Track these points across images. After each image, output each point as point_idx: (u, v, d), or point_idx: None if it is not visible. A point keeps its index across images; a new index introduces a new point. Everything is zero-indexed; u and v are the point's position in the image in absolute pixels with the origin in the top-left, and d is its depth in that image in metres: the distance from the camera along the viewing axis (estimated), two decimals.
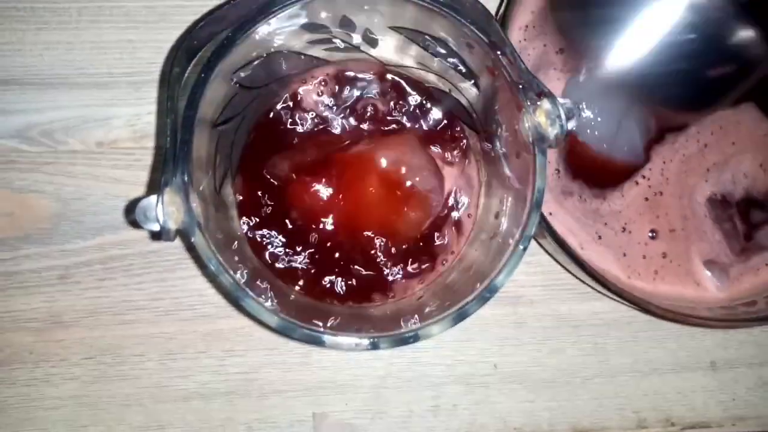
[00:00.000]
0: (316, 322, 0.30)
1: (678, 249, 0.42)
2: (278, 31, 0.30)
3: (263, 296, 0.29)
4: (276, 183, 0.36)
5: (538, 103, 0.28)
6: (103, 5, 0.44)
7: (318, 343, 0.29)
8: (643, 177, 0.42)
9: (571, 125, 0.28)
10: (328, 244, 0.36)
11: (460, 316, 0.28)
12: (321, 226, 0.36)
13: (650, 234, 0.41)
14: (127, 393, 0.43)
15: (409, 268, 0.37)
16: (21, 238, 0.43)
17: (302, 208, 0.35)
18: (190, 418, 0.43)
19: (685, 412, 0.46)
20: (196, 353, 0.43)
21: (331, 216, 0.35)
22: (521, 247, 0.28)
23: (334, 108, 0.37)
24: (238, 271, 0.29)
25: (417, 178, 0.35)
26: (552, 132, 0.28)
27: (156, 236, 0.27)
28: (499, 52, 0.29)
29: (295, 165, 0.35)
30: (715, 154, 0.42)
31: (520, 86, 0.29)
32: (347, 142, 0.36)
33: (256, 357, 0.43)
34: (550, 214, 0.39)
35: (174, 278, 0.43)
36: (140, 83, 0.44)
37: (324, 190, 0.35)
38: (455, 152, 0.38)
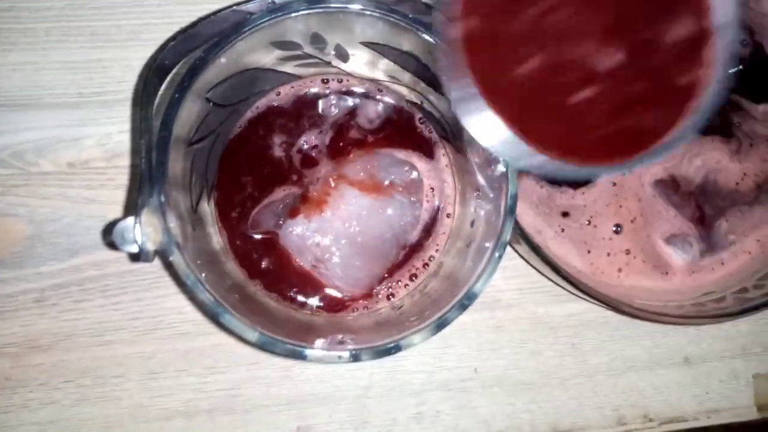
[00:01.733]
0: (297, 336, 0.30)
1: (641, 241, 0.43)
2: (251, 49, 0.30)
3: (241, 311, 0.29)
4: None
5: None
6: (71, 25, 0.44)
7: (300, 357, 0.29)
8: None
9: None
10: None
11: (441, 325, 0.29)
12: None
13: (614, 228, 0.42)
14: (107, 414, 0.42)
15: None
16: None
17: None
18: None
19: (662, 407, 0.47)
20: (176, 371, 0.43)
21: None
22: (497, 254, 0.29)
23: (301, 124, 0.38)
24: (218, 287, 0.29)
25: (392, 176, 0.36)
26: None
27: (135, 258, 0.27)
28: None
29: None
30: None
31: None
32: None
33: (238, 373, 0.43)
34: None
35: (151, 297, 0.43)
36: (111, 102, 0.44)
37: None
38: (426, 157, 0.38)
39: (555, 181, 0.41)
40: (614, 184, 0.43)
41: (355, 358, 0.29)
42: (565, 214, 0.41)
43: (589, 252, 0.41)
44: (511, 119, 0.26)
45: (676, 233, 0.42)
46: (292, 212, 0.36)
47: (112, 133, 0.44)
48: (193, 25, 0.32)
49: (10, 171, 0.43)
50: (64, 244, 0.43)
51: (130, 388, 0.43)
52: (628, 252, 0.42)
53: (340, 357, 0.29)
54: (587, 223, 0.41)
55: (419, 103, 0.37)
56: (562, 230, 0.41)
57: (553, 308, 0.46)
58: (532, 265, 0.44)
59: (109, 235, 0.27)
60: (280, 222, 0.36)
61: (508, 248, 0.44)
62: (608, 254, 0.42)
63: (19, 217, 0.43)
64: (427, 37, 0.29)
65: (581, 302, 0.46)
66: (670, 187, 0.43)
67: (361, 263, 0.36)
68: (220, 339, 0.43)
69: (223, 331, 0.43)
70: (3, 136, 0.43)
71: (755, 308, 0.36)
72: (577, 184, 0.42)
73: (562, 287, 0.40)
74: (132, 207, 0.27)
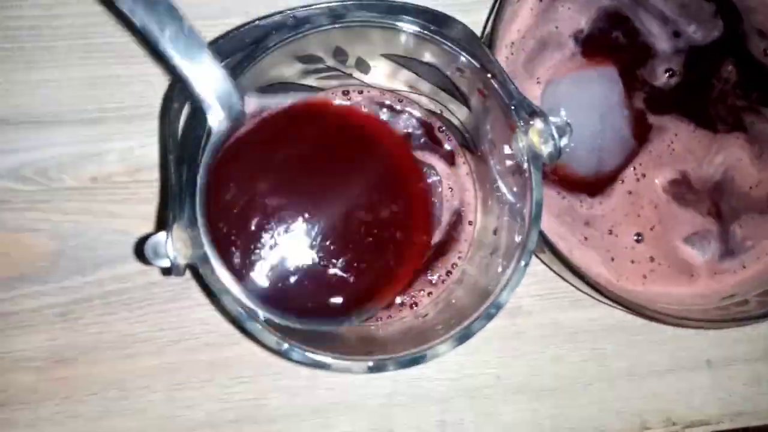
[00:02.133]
0: (321, 346, 0.31)
1: (663, 248, 0.43)
2: (275, 63, 0.31)
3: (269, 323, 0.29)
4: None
5: (531, 123, 0.29)
6: (91, 42, 0.45)
7: (325, 367, 0.29)
8: (621, 182, 0.43)
9: (563, 143, 0.29)
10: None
11: (466, 335, 0.29)
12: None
13: (636, 237, 0.42)
14: (132, 427, 0.43)
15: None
16: (17, 278, 0.43)
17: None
18: None
19: (685, 411, 0.47)
20: (201, 382, 0.43)
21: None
22: (523, 262, 0.29)
23: None
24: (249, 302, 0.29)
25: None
26: (545, 150, 0.29)
27: (167, 272, 0.27)
28: (489, 75, 0.30)
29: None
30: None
31: (512, 107, 0.29)
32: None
33: (263, 382, 0.44)
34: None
35: (176, 308, 0.44)
36: (131, 117, 0.44)
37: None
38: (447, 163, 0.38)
39: (574, 189, 0.41)
40: (630, 192, 0.43)
41: (380, 368, 0.29)
42: (587, 224, 0.41)
43: (613, 260, 0.41)
44: None
45: (694, 232, 0.42)
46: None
47: (134, 148, 0.44)
48: (215, 41, 0.32)
49: (34, 187, 0.44)
50: (87, 258, 0.44)
51: (154, 399, 0.43)
52: (652, 259, 0.42)
53: (365, 367, 0.29)
54: (608, 232, 0.42)
55: (439, 112, 0.38)
56: (585, 239, 0.41)
57: (574, 314, 0.46)
58: (553, 271, 0.44)
59: (140, 251, 0.27)
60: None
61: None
62: (632, 262, 0.42)
63: (43, 232, 0.43)
64: (448, 48, 0.30)
65: (601, 307, 0.46)
66: (684, 185, 0.43)
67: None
68: (245, 349, 0.44)
69: (247, 341, 0.43)
70: (26, 153, 0.44)
71: None
72: (594, 191, 0.42)
73: (585, 293, 0.41)
74: (162, 222, 0.27)
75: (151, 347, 0.43)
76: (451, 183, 0.39)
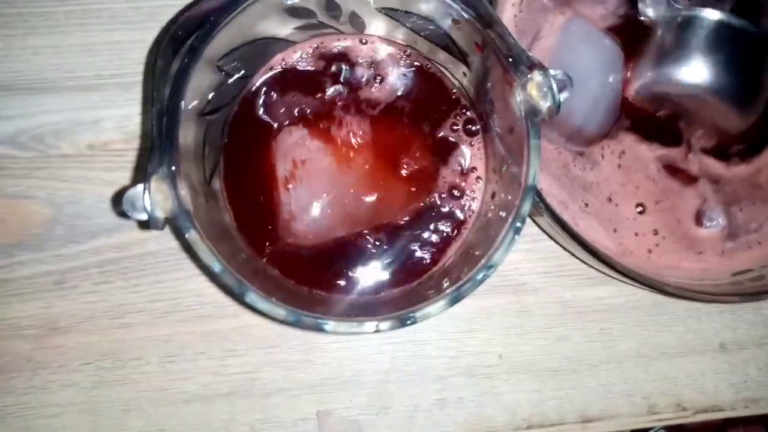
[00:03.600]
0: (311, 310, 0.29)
1: (669, 223, 0.41)
2: (263, 16, 0.30)
3: (254, 283, 0.28)
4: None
5: (529, 76, 0.28)
6: (90, 8, 0.44)
7: (321, 329, 0.28)
8: (611, 151, 0.41)
9: (563, 97, 0.27)
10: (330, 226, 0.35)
11: (458, 297, 0.28)
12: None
13: (638, 209, 0.40)
14: (126, 398, 0.42)
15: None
16: (14, 245, 0.43)
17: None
18: (191, 421, 0.42)
19: (697, 396, 0.45)
20: (195, 354, 0.43)
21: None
22: (517, 224, 0.27)
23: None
24: (231, 260, 0.28)
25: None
26: (544, 105, 0.27)
27: (144, 225, 0.26)
28: (486, 27, 0.28)
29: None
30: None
31: (510, 60, 0.28)
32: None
33: (257, 356, 0.43)
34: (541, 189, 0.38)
35: (171, 279, 0.43)
36: (129, 84, 0.44)
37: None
38: (452, 126, 0.37)
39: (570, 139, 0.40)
40: (619, 166, 0.41)
41: (375, 329, 0.28)
42: (584, 189, 0.39)
43: (615, 231, 0.40)
44: None
45: (699, 209, 0.41)
46: (304, 122, 0.35)
47: (131, 115, 0.44)
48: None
49: (30, 154, 0.43)
50: (84, 226, 0.43)
51: (148, 371, 0.42)
52: (656, 233, 0.40)
53: (360, 328, 0.28)
54: (608, 200, 0.40)
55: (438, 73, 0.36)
56: (586, 205, 0.39)
57: (581, 292, 0.45)
58: (559, 244, 0.42)
59: (119, 204, 0.26)
60: (285, 122, 0.35)
61: (535, 230, 0.43)
62: (636, 234, 0.40)
63: (39, 199, 0.43)
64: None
65: (610, 285, 0.44)
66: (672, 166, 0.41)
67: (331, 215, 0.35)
68: (240, 322, 0.43)
69: (242, 314, 0.43)
70: (23, 120, 0.43)
71: None
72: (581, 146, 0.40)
73: (591, 266, 0.39)
74: (142, 177, 0.26)
75: (145, 318, 0.43)
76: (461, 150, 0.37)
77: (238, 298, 0.28)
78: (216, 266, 0.27)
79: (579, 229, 0.37)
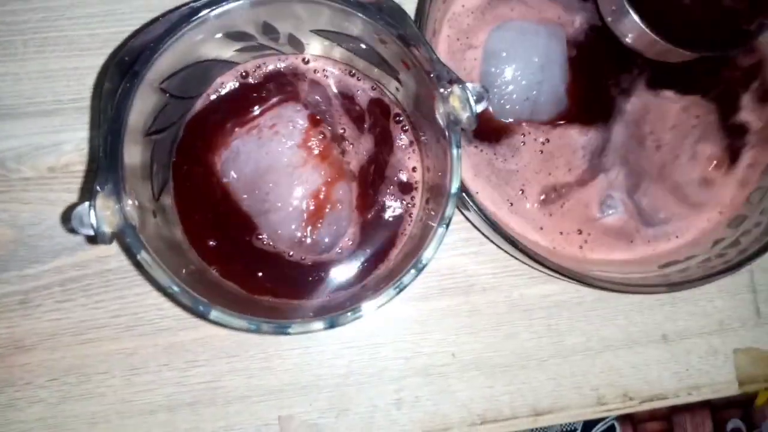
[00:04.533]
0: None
1: (583, 219, 0.43)
2: (203, 40, 0.32)
3: (202, 293, 0.30)
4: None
5: (450, 89, 0.30)
6: (48, 36, 0.46)
7: (285, 332, 0.30)
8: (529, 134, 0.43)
9: (480, 108, 0.29)
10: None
11: (396, 290, 0.30)
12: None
13: (541, 197, 0.43)
14: (93, 411, 0.43)
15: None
16: None
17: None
18: (157, 431, 0.43)
19: (642, 385, 0.47)
20: (158, 366, 0.44)
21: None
22: (442, 227, 0.30)
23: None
24: (179, 271, 0.30)
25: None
26: (464, 115, 0.30)
27: (92, 240, 0.28)
28: (409, 46, 0.31)
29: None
30: None
31: (432, 75, 0.30)
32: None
33: (219, 365, 0.44)
34: (477, 192, 0.41)
35: (132, 295, 0.44)
36: (87, 108, 0.45)
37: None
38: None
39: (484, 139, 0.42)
40: (541, 152, 0.43)
41: (330, 324, 0.30)
42: (507, 184, 0.42)
43: (541, 229, 0.42)
44: None
45: (603, 198, 0.43)
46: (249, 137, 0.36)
47: (90, 138, 0.45)
48: (152, 21, 0.33)
49: None
50: (46, 246, 0.44)
51: (113, 384, 0.44)
52: (580, 232, 0.42)
53: (317, 326, 0.30)
54: (521, 192, 0.42)
55: (373, 87, 0.38)
56: (511, 204, 0.41)
57: (528, 290, 0.47)
58: (499, 246, 0.44)
59: (68, 221, 0.28)
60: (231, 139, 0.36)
61: (478, 234, 0.46)
62: (561, 233, 0.42)
63: (2, 222, 0.44)
64: (369, 20, 0.31)
65: (555, 283, 0.46)
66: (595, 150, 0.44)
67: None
68: (200, 333, 0.44)
69: (202, 326, 0.44)
70: None
71: (716, 274, 0.37)
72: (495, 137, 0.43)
73: (529, 264, 0.41)
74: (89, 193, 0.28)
75: (108, 333, 0.44)
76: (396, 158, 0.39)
77: (198, 314, 0.30)
78: (172, 287, 0.29)
79: (510, 228, 0.40)
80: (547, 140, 0.42)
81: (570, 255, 0.41)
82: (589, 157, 0.43)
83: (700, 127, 0.44)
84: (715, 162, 0.44)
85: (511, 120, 0.42)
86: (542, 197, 0.42)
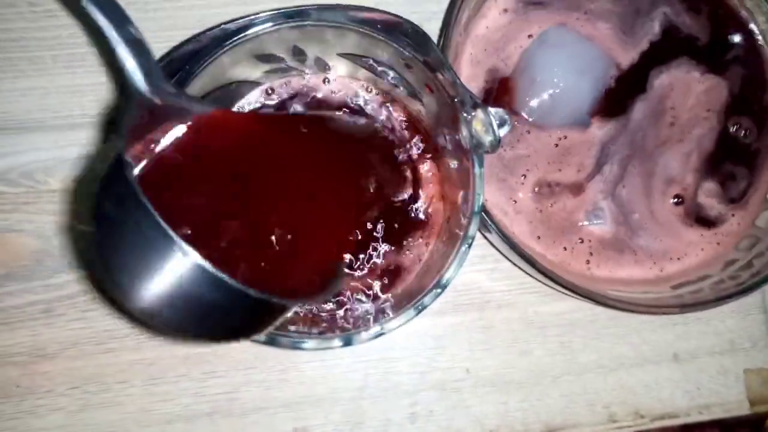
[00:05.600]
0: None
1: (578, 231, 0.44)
2: (235, 63, 0.33)
3: None
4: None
5: (473, 114, 0.31)
6: (75, 51, 0.47)
7: (300, 347, 0.31)
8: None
9: (503, 132, 0.30)
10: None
11: (417, 310, 0.30)
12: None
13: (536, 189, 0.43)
14: (112, 420, 0.44)
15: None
16: (3, 276, 0.45)
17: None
18: None
19: (653, 404, 0.47)
20: (177, 376, 0.45)
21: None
22: (465, 246, 0.30)
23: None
24: None
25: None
26: (487, 138, 0.30)
27: None
28: (434, 71, 0.32)
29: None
30: None
31: (456, 100, 0.31)
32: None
33: (236, 377, 0.45)
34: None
35: None
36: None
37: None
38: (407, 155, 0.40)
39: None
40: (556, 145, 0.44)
41: (347, 342, 0.31)
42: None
43: (539, 238, 0.43)
44: None
45: (588, 209, 0.44)
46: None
47: None
48: (182, 44, 0.34)
49: (20, 189, 0.46)
50: (70, 257, 0.45)
51: (133, 393, 0.44)
52: (581, 241, 0.43)
53: (335, 344, 0.31)
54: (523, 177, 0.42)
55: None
56: (515, 202, 0.42)
57: (542, 308, 0.47)
58: (514, 264, 0.45)
59: None
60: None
61: (494, 251, 0.46)
62: (565, 249, 0.43)
63: (27, 232, 0.45)
64: (395, 46, 0.32)
65: (569, 301, 0.47)
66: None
67: None
68: (219, 345, 0.45)
69: None
70: (13, 157, 0.46)
71: (729, 296, 0.37)
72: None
73: (542, 282, 0.42)
74: None
75: (129, 343, 0.45)
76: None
77: None
78: None
79: (515, 236, 0.40)
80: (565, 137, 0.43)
81: (577, 270, 0.42)
82: (599, 150, 0.43)
83: (706, 124, 0.45)
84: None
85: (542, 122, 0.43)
86: (536, 189, 0.43)
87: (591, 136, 0.43)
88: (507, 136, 0.31)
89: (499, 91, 0.43)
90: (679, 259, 0.43)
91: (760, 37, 0.46)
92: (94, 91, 0.47)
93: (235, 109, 0.38)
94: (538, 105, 0.42)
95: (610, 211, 0.43)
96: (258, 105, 0.38)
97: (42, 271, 0.45)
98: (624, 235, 0.43)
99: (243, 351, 0.45)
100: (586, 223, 0.43)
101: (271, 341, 0.32)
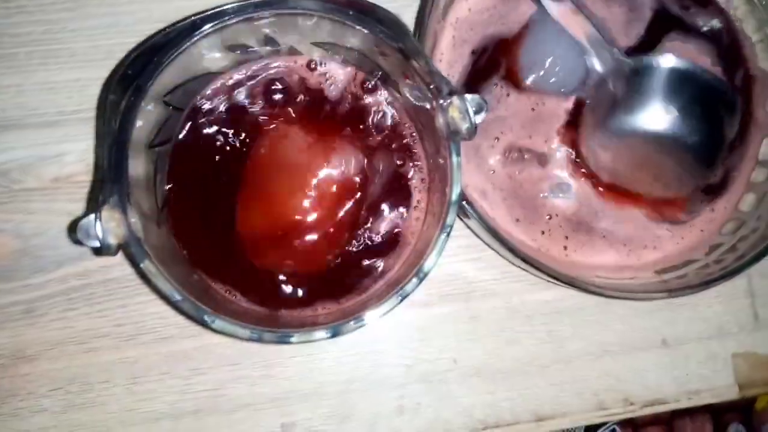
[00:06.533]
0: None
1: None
2: (205, 53, 0.32)
3: (206, 303, 0.30)
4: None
5: (449, 101, 0.30)
6: (50, 48, 0.46)
7: (287, 341, 0.31)
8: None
9: (479, 119, 0.30)
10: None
11: (399, 297, 0.30)
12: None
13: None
14: (96, 420, 0.44)
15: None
16: None
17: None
18: None
19: (642, 390, 0.47)
20: (161, 374, 0.44)
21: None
22: (444, 235, 0.30)
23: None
24: (184, 281, 0.30)
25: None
26: (463, 125, 0.30)
27: (98, 252, 0.28)
28: (409, 58, 0.31)
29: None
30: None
31: (432, 87, 0.31)
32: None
33: (221, 373, 0.45)
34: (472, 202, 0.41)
35: (134, 303, 0.45)
36: (90, 119, 0.46)
37: None
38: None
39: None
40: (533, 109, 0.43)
41: (335, 333, 0.31)
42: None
43: (518, 221, 0.42)
44: None
45: (552, 182, 0.43)
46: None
47: (93, 148, 0.46)
48: (154, 35, 0.34)
49: None
50: (50, 256, 0.45)
51: (116, 393, 0.44)
52: (549, 217, 0.42)
53: (322, 335, 0.31)
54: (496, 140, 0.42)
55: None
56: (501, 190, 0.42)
57: (528, 296, 0.47)
58: (501, 255, 0.45)
59: (74, 233, 0.28)
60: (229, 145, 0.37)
61: (478, 241, 0.46)
62: (543, 233, 0.42)
63: (5, 232, 0.45)
64: (369, 33, 0.31)
65: (555, 289, 0.47)
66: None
67: None
68: (202, 341, 0.45)
69: (205, 334, 0.44)
70: None
71: (714, 280, 0.37)
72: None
73: (526, 270, 0.41)
74: (95, 204, 0.28)
75: (111, 342, 0.44)
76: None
77: (201, 323, 0.31)
78: (175, 296, 0.29)
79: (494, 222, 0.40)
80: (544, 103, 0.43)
81: (555, 255, 0.41)
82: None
83: None
84: None
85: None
86: (507, 153, 0.42)
87: (567, 106, 0.43)
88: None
89: (495, 52, 0.42)
90: (655, 247, 0.43)
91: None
92: (69, 88, 0.46)
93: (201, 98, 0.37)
94: (540, 67, 0.41)
95: (574, 187, 0.42)
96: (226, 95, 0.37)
97: (21, 271, 0.44)
98: (586, 216, 0.42)
99: (227, 347, 0.45)
100: (550, 195, 0.42)
101: (256, 338, 0.31)
